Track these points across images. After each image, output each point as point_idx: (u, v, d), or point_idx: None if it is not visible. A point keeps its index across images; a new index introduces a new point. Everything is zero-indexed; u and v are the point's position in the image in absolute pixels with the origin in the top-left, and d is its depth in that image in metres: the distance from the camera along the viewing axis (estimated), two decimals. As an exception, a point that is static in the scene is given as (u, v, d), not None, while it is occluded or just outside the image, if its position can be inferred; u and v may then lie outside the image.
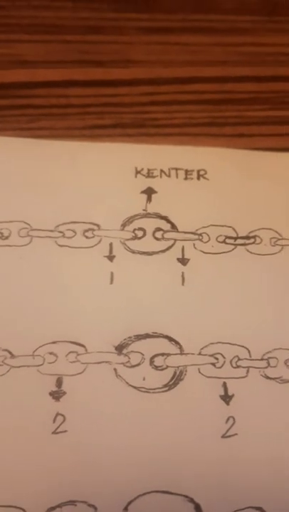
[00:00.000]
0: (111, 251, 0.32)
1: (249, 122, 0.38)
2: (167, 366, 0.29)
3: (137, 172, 0.34)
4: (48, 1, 0.42)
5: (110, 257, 0.32)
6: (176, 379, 0.29)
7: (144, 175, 0.34)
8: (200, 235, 0.33)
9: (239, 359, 0.30)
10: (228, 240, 0.33)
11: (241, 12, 0.43)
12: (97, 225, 0.32)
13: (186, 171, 0.34)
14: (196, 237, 0.33)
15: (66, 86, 0.39)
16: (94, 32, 0.41)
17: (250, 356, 0.30)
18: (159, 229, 0.33)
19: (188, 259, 0.32)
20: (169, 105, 0.39)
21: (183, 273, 0.32)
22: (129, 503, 0.26)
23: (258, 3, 0.43)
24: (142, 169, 0.34)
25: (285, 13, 0.43)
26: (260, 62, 0.41)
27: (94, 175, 0.34)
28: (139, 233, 0.32)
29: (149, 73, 0.40)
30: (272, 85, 0.40)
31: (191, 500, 0.27)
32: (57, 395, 0.28)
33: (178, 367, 0.29)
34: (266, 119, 0.39)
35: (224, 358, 0.30)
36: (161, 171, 0.34)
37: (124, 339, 0.30)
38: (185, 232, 0.33)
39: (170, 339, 0.30)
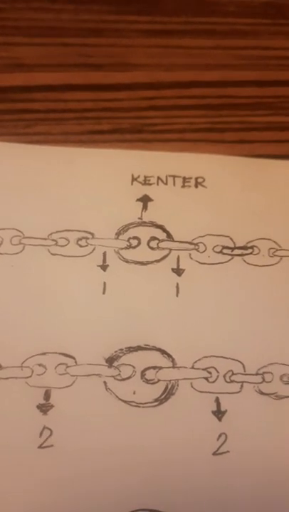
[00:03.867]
0: (104, 260, 0.31)
1: (250, 128, 0.38)
2: (159, 380, 0.29)
3: (134, 179, 0.34)
4: (49, 4, 0.41)
5: (103, 267, 0.31)
6: (168, 393, 0.28)
7: (140, 182, 0.33)
8: (196, 244, 0.32)
9: (233, 373, 0.29)
10: (225, 250, 0.32)
11: (243, 15, 0.42)
12: (91, 234, 0.32)
13: (184, 179, 0.34)
14: (192, 246, 0.32)
15: (64, 90, 0.38)
16: (94, 35, 0.41)
17: (245, 371, 0.29)
18: (154, 238, 0.32)
19: (184, 270, 0.31)
20: (168, 110, 0.38)
21: (177, 284, 0.31)
22: (116, 521, 0.26)
23: (260, 5, 0.42)
24: (139, 176, 0.34)
25: (287, 17, 0.42)
26: (262, 66, 0.40)
27: (89, 182, 0.33)
28: (134, 242, 0.32)
29: (148, 77, 0.39)
30: (274, 90, 0.40)
31: (180, 519, 0.26)
32: (44, 408, 0.28)
33: (170, 381, 0.29)
34: (268, 125, 0.38)
35: (218, 372, 0.29)
36: (158, 178, 0.34)
37: (116, 351, 0.29)
38: (181, 242, 0.32)
39: (162, 352, 0.29)
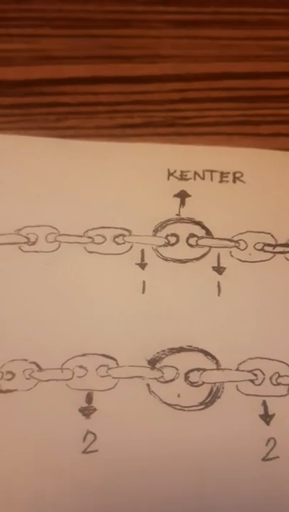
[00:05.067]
0: (143, 258, 0.30)
1: (286, 121, 0.37)
2: (203, 382, 0.28)
3: (170, 174, 0.32)
4: (75, -7, 0.40)
5: (142, 265, 0.30)
6: (213, 396, 0.27)
7: (177, 177, 0.32)
8: (236, 241, 0.31)
9: (280, 376, 0.28)
10: (266, 248, 0.31)
11: (275, 4, 0.41)
12: (128, 231, 0.31)
13: (222, 174, 0.33)
14: (233, 244, 0.31)
15: (93, 82, 0.37)
16: (121, 26, 0.40)
17: None
18: (193, 235, 0.31)
19: (225, 268, 0.30)
20: (200, 103, 0.37)
21: (219, 282, 0.30)
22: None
23: (292, -5, 0.41)
24: (175, 171, 0.33)
25: None
26: (295, 57, 0.39)
27: (124, 177, 0.32)
28: (172, 239, 0.31)
29: (178, 69, 0.38)
30: (308, 82, 0.38)
31: (230, 527, 0.25)
32: (87, 411, 0.27)
33: (214, 383, 0.28)
34: (304, 118, 0.37)
35: (264, 374, 0.28)
36: (195, 173, 0.33)
37: (158, 352, 0.28)
38: (221, 239, 0.31)
39: (206, 353, 0.28)
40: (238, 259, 0.31)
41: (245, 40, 0.40)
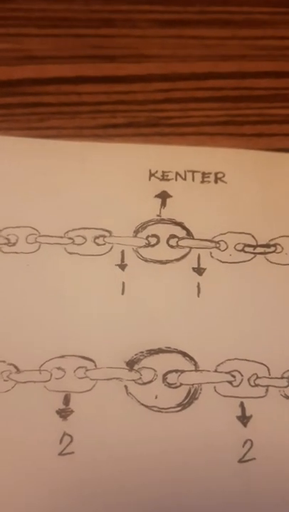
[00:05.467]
0: (123, 259, 0.30)
1: (269, 121, 0.37)
2: (181, 384, 0.28)
3: (151, 175, 0.32)
4: (60, -7, 0.40)
5: (122, 266, 0.30)
6: (191, 398, 0.27)
7: (158, 178, 0.32)
8: (217, 242, 0.31)
9: (258, 377, 0.28)
10: (247, 249, 0.31)
11: (260, 4, 0.41)
12: (109, 232, 0.31)
13: (203, 174, 0.33)
14: (213, 245, 0.31)
15: (77, 82, 0.37)
16: (106, 25, 0.40)
17: (270, 374, 0.28)
18: (173, 236, 0.31)
19: (205, 269, 0.30)
20: (184, 103, 0.37)
21: (199, 283, 0.30)
22: (139, 530, 0.25)
23: (277, -6, 0.41)
24: (157, 171, 0.32)
25: (306, 4, 0.41)
26: (280, 56, 0.39)
27: (105, 178, 0.32)
28: (153, 240, 0.31)
29: (163, 69, 0.38)
30: (293, 81, 0.38)
31: (206, 529, 0.25)
32: (64, 413, 0.27)
33: (192, 385, 0.28)
34: (287, 118, 0.37)
35: (242, 375, 0.28)
36: (177, 173, 0.32)
37: (136, 354, 0.28)
38: (201, 240, 0.31)
39: (184, 355, 0.28)
40: (218, 259, 0.31)
41: (231, 39, 0.40)
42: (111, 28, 0.40)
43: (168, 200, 0.32)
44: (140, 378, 0.28)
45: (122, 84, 0.37)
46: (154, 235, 0.31)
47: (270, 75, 0.39)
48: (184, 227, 0.31)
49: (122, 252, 0.30)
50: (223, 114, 0.37)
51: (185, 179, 0.32)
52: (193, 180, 0.32)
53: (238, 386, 0.28)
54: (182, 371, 0.28)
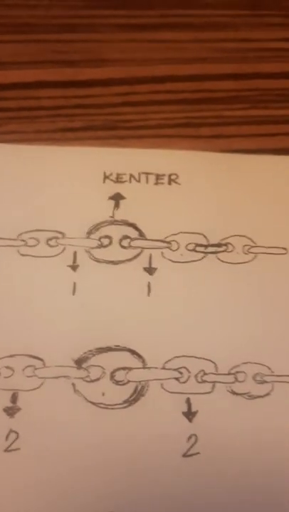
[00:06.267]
0: (75, 260, 0.31)
1: (228, 122, 0.37)
2: (128, 381, 0.28)
3: (106, 177, 0.33)
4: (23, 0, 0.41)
5: (74, 267, 0.31)
6: (138, 394, 0.28)
7: (112, 180, 0.33)
8: (169, 242, 0.31)
9: (205, 373, 0.29)
10: (198, 248, 0.31)
11: (221, 6, 0.42)
12: (62, 233, 0.31)
13: (157, 176, 0.33)
14: (165, 245, 0.31)
15: (37, 87, 0.38)
16: (67, 30, 0.40)
17: (217, 371, 0.29)
18: (126, 237, 0.31)
19: (156, 269, 0.31)
20: (143, 106, 0.38)
21: (149, 283, 0.30)
22: (84, 526, 0.25)
23: (238, -4, 0.42)
24: (111, 174, 0.33)
25: (266, 7, 0.42)
26: (240, 58, 0.40)
27: (60, 181, 0.33)
28: (105, 241, 0.31)
29: (123, 72, 0.39)
30: (252, 83, 0.39)
31: (149, 522, 0.26)
32: (11, 411, 0.27)
33: (140, 382, 0.28)
34: (246, 119, 0.38)
35: (189, 372, 0.28)
36: (131, 175, 0.33)
37: (85, 352, 0.29)
38: (153, 240, 0.31)
39: (133, 352, 0.29)
40: (169, 259, 0.31)
41: (192, 42, 0.40)
42: (71, 33, 0.40)
43: (121, 202, 0.32)
44: (88, 376, 0.28)
45: (81, 88, 0.38)
46: (106, 236, 0.31)
47: (231, 77, 0.39)
48: (136, 228, 0.32)
49: (75, 254, 0.31)
50: (182, 117, 0.37)
51: (139, 181, 0.33)
52: (147, 182, 0.33)
53: (185, 382, 0.28)
54: (130, 369, 0.28)
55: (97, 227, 0.32)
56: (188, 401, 0.28)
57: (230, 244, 0.32)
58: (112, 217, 0.32)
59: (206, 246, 0.32)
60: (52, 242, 0.31)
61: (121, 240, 0.31)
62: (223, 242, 0.32)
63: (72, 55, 0.39)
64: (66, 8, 0.41)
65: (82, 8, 0.41)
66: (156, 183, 0.33)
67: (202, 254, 0.31)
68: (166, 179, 0.33)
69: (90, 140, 0.36)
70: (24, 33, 0.40)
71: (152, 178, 0.33)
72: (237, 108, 0.38)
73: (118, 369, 0.28)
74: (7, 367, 0.28)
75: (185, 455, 0.27)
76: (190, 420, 0.27)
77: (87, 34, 0.40)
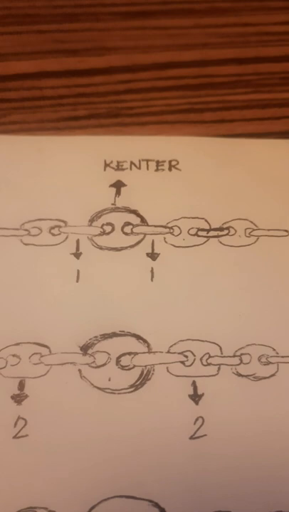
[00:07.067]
0: (78, 248, 0.31)
1: (230, 107, 0.37)
2: (134, 366, 0.28)
3: (106, 165, 0.33)
4: (24, -10, 0.41)
5: (77, 254, 0.31)
6: (143, 379, 0.28)
7: (113, 168, 0.33)
8: (171, 228, 0.32)
9: (210, 356, 0.29)
10: (200, 233, 0.32)
11: (223, -8, 0.42)
12: (64, 222, 0.32)
13: (158, 162, 0.33)
14: (167, 230, 0.32)
15: (39, 77, 0.38)
16: (69, 20, 0.40)
17: (222, 353, 0.29)
18: (128, 223, 0.32)
19: (158, 254, 0.31)
20: (145, 93, 0.38)
21: (152, 268, 0.31)
22: (92, 508, 0.26)
23: (238, -19, 0.41)
24: (112, 162, 0.33)
25: (267, -9, 0.41)
26: (242, 43, 0.40)
27: (61, 170, 0.33)
28: (108, 228, 0.32)
29: (125, 60, 0.39)
30: (254, 67, 0.39)
31: (156, 504, 0.26)
32: (19, 398, 0.28)
33: (145, 366, 0.28)
34: (248, 103, 0.38)
35: (194, 355, 0.29)
36: (132, 162, 0.33)
37: (90, 339, 0.29)
38: (155, 226, 0.32)
39: (138, 337, 0.29)
40: (171, 244, 0.31)
41: (193, 28, 0.40)
42: (73, 23, 0.40)
43: (122, 189, 0.33)
44: (94, 362, 0.28)
45: (84, 77, 0.38)
46: (108, 223, 0.32)
47: (232, 61, 0.39)
48: (138, 215, 0.32)
49: (77, 241, 0.31)
50: (185, 102, 0.37)
51: (140, 168, 0.33)
52: (147, 168, 0.33)
53: (190, 366, 0.29)
54: (135, 353, 0.29)
55: (99, 214, 0.32)
56: (194, 384, 0.28)
57: (232, 227, 0.32)
58: (113, 204, 0.32)
59: (207, 230, 0.32)
60: (54, 231, 0.31)
61: (123, 227, 0.32)
62: (225, 226, 0.32)
63: (73, 44, 0.39)
64: (67, -3, 0.41)
65: (83, -3, 0.41)
66: (157, 170, 0.33)
67: (204, 239, 0.31)
68: (166, 165, 0.33)
69: (94, 128, 0.36)
70: (25, 23, 0.40)
71: (153, 165, 0.33)
72: (240, 92, 0.38)
73: (124, 354, 0.29)
74: (13, 355, 0.28)
75: (192, 437, 0.27)
76: (196, 403, 0.28)
77: (89, 23, 0.40)
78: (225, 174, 0.33)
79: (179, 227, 0.32)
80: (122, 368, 0.28)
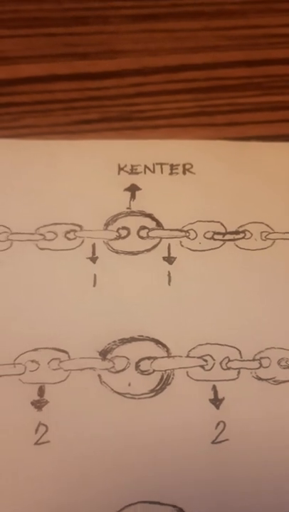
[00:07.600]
0: (94, 252, 0.31)
1: (241, 110, 0.37)
2: (154, 370, 0.28)
3: (120, 169, 0.33)
4: (32, -6, 0.41)
5: (93, 259, 0.31)
6: (163, 383, 0.28)
7: (127, 171, 0.33)
8: (187, 231, 0.32)
9: (229, 360, 0.29)
10: (216, 236, 0.31)
11: (231, -6, 0.42)
12: (80, 226, 0.31)
13: (172, 166, 0.33)
14: (183, 234, 0.31)
15: (50, 81, 0.38)
16: (78, 23, 0.40)
17: (242, 357, 0.29)
18: (143, 227, 0.32)
19: (175, 258, 0.31)
20: (156, 96, 0.38)
21: (169, 272, 0.30)
22: (115, 514, 0.26)
23: (247, -16, 0.41)
24: (125, 165, 0.33)
25: (276, -7, 0.41)
26: (251, 45, 0.40)
27: (75, 174, 0.33)
28: (123, 232, 0.31)
29: (135, 63, 0.39)
30: (264, 69, 0.39)
31: (180, 510, 0.26)
32: (39, 404, 0.27)
33: (165, 371, 0.28)
34: (259, 106, 0.37)
35: (214, 359, 0.29)
36: (145, 166, 0.33)
37: (109, 344, 0.29)
38: (171, 230, 0.32)
39: (157, 342, 0.29)
40: (188, 248, 0.31)
41: (202, 31, 0.40)
42: (83, 26, 0.40)
43: (137, 193, 0.33)
44: (113, 367, 0.28)
45: (95, 80, 0.38)
46: (124, 227, 0.32)
47: (242, 64, 0.39)
48: (153, 219, 0.32)
49: (93, 246, 0.31)
50: (195, 105, 0.37)
51: (154, 172, 0.33)
52: (161, 172, 0.33)
53: (210, 370, 0.28)
54: (155, 358, 0.29)
55: (114, 218, 0.32)
56: (214, 388, 0.28)
57: (248, 231, 0.32)
58: (128, 208, 0.32)
59: (223, 234, 0.32)
60: (70, 235, 0.31)
61: (139, 231, 0.32)
62: (241, 229, 0.32)
63: (84, 48, 0.39)
64: (77, 0, 0.41)
65: (93, 0, 0.41)
66: (171, 173, 0.33)
67: (220, 242, 0.31)
68: (180, 169, 0.33)
69: (105, 132, 0.36)
70: (34, 27, 0.40)
71: (167, 169, 0.33)
72: (250, 95, 0.38)
73: (143, 359, 0.29)
74: (32, 361, 0.28)
75: (214, 442, 0.27)
76: (217, 407, 0.28)
77: (99, 26, 0.40)
78: (239, 177, 0.33)
79: (195, 231, 0.31)
80: (142, 372, 0.28)
